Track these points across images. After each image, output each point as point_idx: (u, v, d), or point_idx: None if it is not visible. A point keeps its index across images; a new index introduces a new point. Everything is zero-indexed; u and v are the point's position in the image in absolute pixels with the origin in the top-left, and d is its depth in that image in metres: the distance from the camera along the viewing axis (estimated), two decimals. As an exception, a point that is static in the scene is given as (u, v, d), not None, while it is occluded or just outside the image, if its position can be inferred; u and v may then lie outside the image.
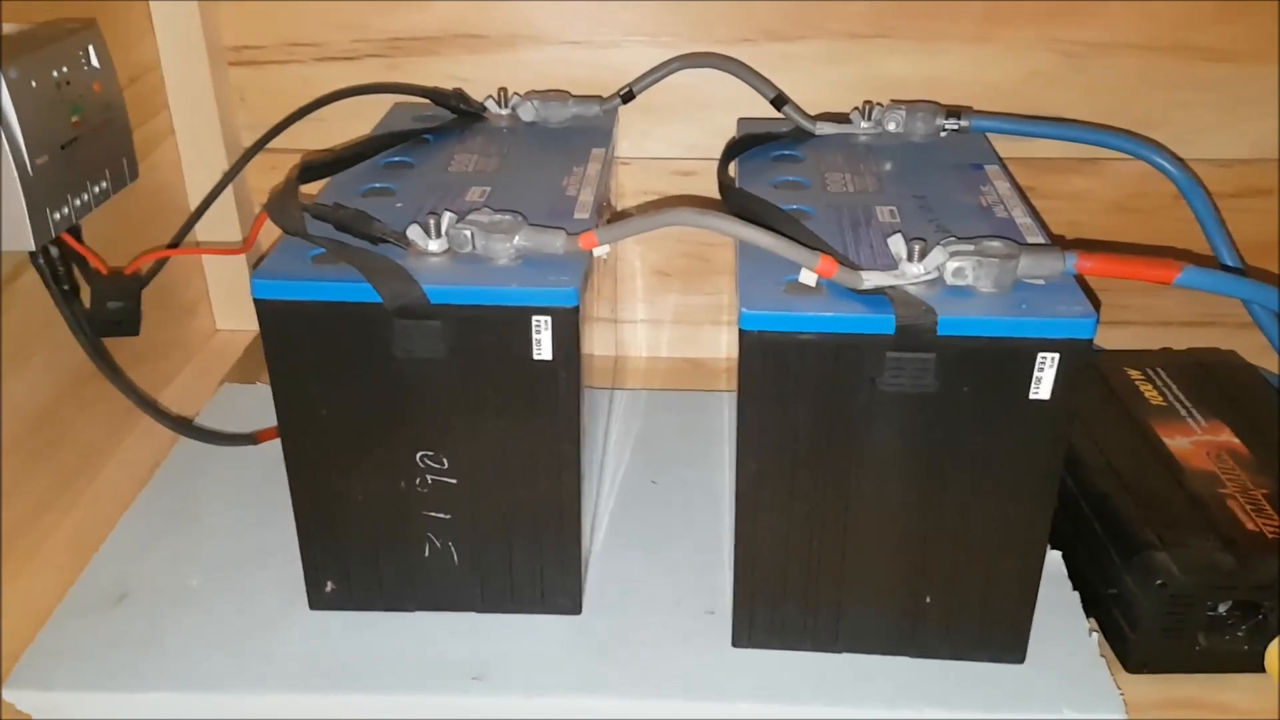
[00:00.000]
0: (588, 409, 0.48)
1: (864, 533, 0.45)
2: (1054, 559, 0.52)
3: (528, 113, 0.61)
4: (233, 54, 0.68)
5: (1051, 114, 0.67)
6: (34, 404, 0.54)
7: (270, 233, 0.48)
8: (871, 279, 0.41)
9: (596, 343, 0.56)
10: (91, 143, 0.52)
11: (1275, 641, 0.47)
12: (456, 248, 0.44)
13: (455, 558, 0.48)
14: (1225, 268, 0.62)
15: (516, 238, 0.44)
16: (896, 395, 0.42)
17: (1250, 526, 0.48)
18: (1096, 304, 0.41)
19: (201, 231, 0.69)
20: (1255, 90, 0.66)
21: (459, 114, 0.61)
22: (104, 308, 0.55)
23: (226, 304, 0.75)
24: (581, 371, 0.45)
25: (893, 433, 0.42)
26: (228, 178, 0.62)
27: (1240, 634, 0.47)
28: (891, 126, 0.59)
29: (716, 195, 0.52)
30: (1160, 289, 0.70)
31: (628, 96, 0.62)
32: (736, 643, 0.48)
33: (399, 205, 0.49)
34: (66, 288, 0.53)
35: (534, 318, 0.43)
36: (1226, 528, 0.48)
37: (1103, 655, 0.47)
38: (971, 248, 0.42)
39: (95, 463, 0.59)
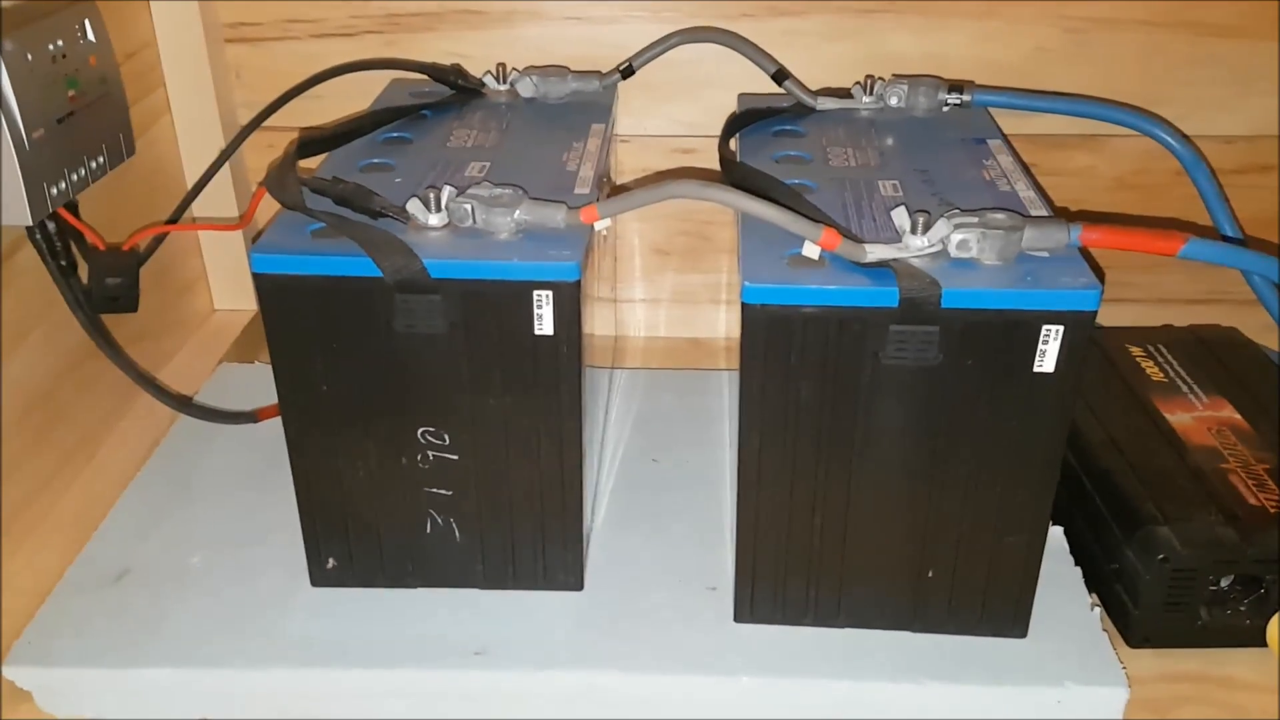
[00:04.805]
0: (588, 386, 0.48)
1: (866, 507, 0.45)
2: (1056, 534, 0.52)
3: (527, 88, 0.60)
4: (230, 30, 0.68)
5: (1055, 90, 0.66)
6: (33, 382, 0.54)
7: (267, 210, 0.47)
8: (875, 251, 0.41)
9: (597, 321, 0.56)
10: (88, 117, 0.52)
11: (1277, 615, 0.47)
12: (457, 222, 0.44)
13: (457, 534, 0.48)
14: (1227, 240, 0.62)
15: (517, 211, 0.44)
16: (900, 369, 0.41)
17: (1252, 501, 0.48)
18: (1101, 277, 0.40)
19: (198, 210, 0.69)
20: (1259, 67, 0.66)
21: (457, 90, 0.60)
22: (102, 284, 0.55)
23: (225, 284, 0.74)
24: (583, 347, 0.44)
25: (896, 407, 0.42)
26: (225, 155, 0.61)
27: (1242, 608, 0.47)
28: (893, 101, 0.58)
29: (718, 171, 0.52)
30: (1162, 265, 0.71)
31: (627, 72, 0.62)
32: (738, 618, 0.48)
33: (398, 180, 0.48)
34: (64, 263, 0.53)
35: (535, 292, 0.42)
36: (1228, 502, 0.48)
37: (1105, 630, 0.47)
38: (975, 220, 0.41)
39: (94, 441, 0.59)
